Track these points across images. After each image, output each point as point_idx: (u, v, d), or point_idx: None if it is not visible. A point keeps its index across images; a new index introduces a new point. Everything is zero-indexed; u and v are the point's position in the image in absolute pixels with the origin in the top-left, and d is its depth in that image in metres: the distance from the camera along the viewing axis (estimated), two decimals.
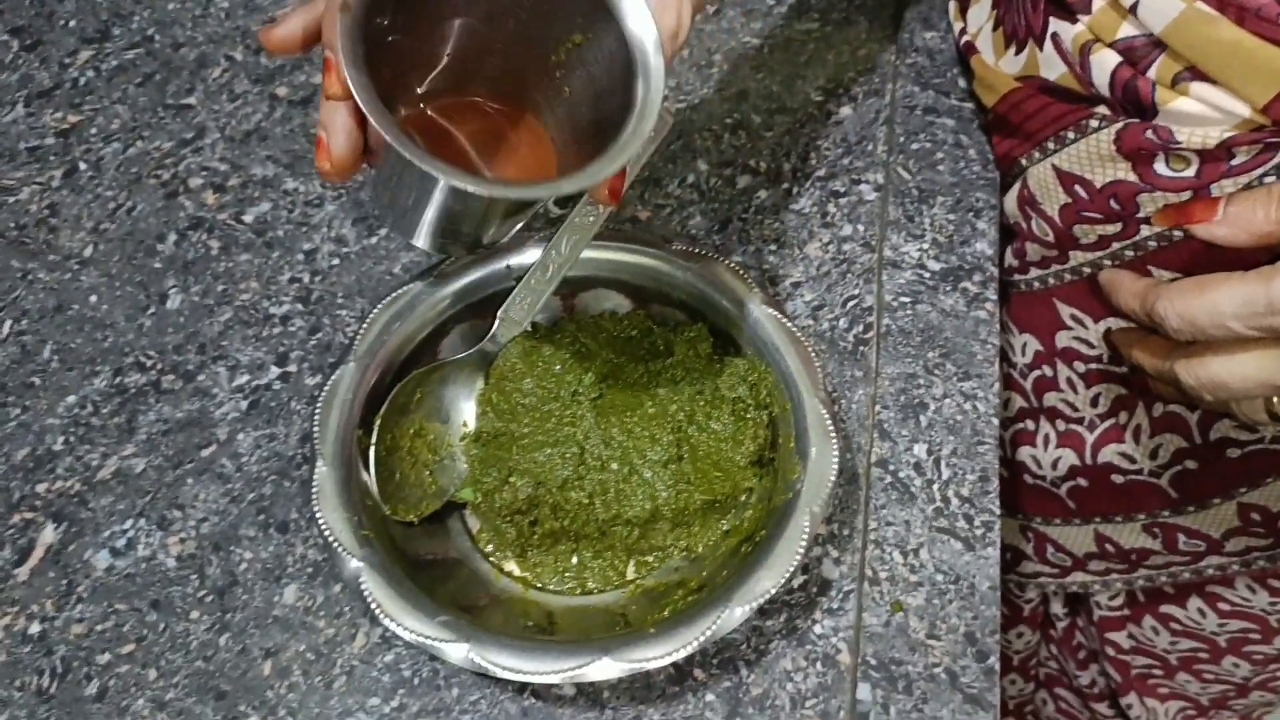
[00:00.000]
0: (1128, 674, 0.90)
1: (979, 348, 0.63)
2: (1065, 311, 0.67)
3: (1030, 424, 0.75)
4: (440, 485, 0.58)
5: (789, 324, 0.58)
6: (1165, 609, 0.84)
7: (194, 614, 0.57)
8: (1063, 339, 0.69)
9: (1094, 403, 0.71)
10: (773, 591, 0.50)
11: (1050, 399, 0.72)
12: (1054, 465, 0.74)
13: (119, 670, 0.56)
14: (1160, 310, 0.50)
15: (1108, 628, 0.88)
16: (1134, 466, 0.71)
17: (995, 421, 0.61)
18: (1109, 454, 0.71)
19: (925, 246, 0.68)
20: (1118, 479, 0.72)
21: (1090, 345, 0.67)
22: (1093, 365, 0.68)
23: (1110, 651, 0.89)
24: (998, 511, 0.58)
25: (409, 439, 0.58)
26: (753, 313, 0.59)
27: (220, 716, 0.54)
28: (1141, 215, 0.59)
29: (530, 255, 0.61)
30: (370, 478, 0.55)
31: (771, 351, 0.58)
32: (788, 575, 0.50)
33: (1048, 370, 0.71)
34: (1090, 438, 0.72)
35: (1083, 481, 0.74)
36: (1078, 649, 0.94)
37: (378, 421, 0.56)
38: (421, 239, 0.51)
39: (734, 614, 0.49)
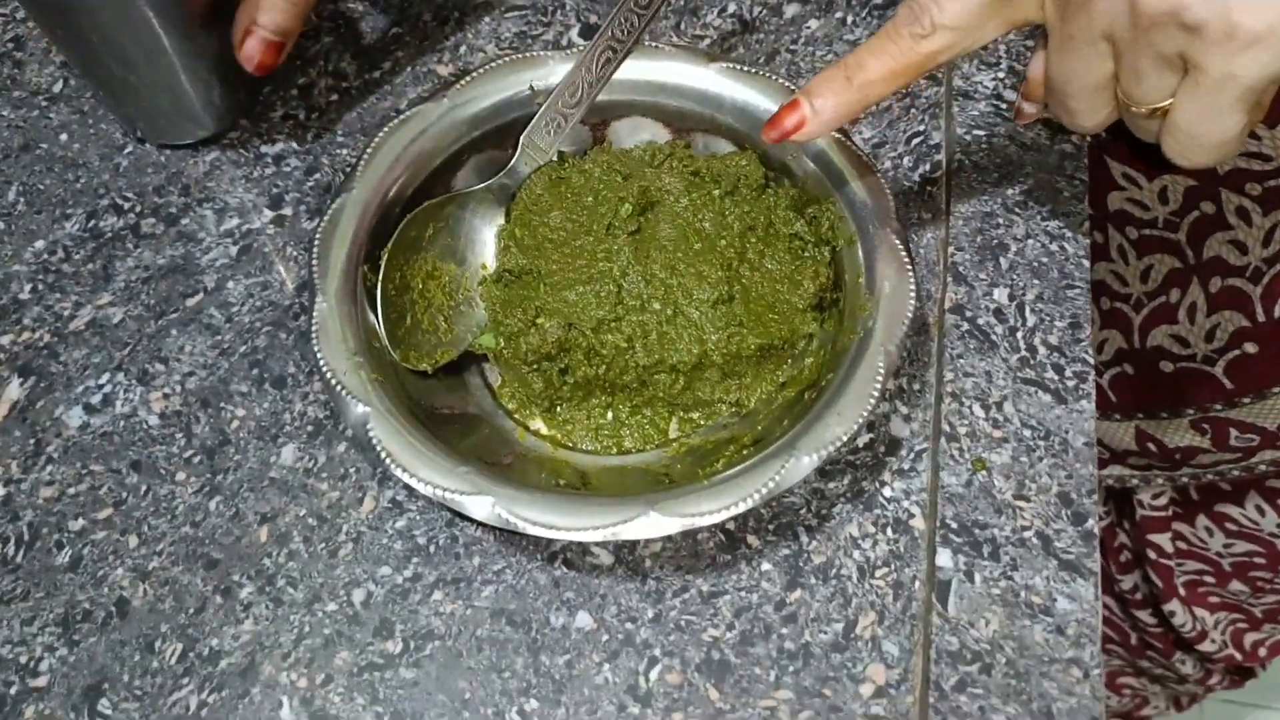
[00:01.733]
0: (1170, 580, 0.84)
1: (1065, 183, 0.56)
2: (1117, 170, 0.59)
3: None
4: (456, 333, 0.51)
5: (854, 146, 0.50)
6: (1220, 508, 0.78)
7: (180, 475, 0.50)
8: (1115, 200, 0.62)
9: (1144, 277, 0.63)
10: (844, 439, 0.43)
11: (1099, 271, 0.65)
12: (1098, 349, 0.67)
13: (94, 537, 0.49)
14: (924, 36, 0.42)
15: (1150, 529, 0.81)
16: (1186, 351, 0.64)
17: (1086, 264, 0.53)
18: (1158, 336, 0.64)
19: (1001, 75, 0.60)
20: (1166, 366, 0.65)
21: (1145, 207, 0.60)
22: (1146, 231, 0.61)
23: (1152, 555, 0.82)
24: (1091, 360, 0.51)
25: (421, 279, 0.51)
26: None
27: (211, 586, 0.48)
28: None
29: (556, 73, 0.53)
30: (377, 319, 0.48)
31: (835, 179, 0.50)
32: (862, 420, 0.43)
33: (1098, 236, 0.64)
34: (1137, 318, 0.65)
35: (1128, 368, 0.67)
36: (1119, 551, 0.88)
37: (384, 256, 0.49)
38: None
39: (800, 464, 0.43)
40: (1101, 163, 0.61)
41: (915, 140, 0.58)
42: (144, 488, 0.50)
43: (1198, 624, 0.85)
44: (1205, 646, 0.84)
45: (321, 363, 0.45)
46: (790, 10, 0.64)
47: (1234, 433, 0.67)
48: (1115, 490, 0.81)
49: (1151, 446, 0.71)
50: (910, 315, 0.46)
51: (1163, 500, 0.78)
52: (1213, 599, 0.84)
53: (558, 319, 0.49)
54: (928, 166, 0.57)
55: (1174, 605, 0.84)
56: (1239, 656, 0.84)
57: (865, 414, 0.44)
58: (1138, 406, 0.70)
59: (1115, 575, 0.89)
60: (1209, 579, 0.83)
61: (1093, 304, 0.66)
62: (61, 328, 0.54)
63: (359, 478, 0.50)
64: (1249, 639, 0.83)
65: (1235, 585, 0.82)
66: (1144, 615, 0.89)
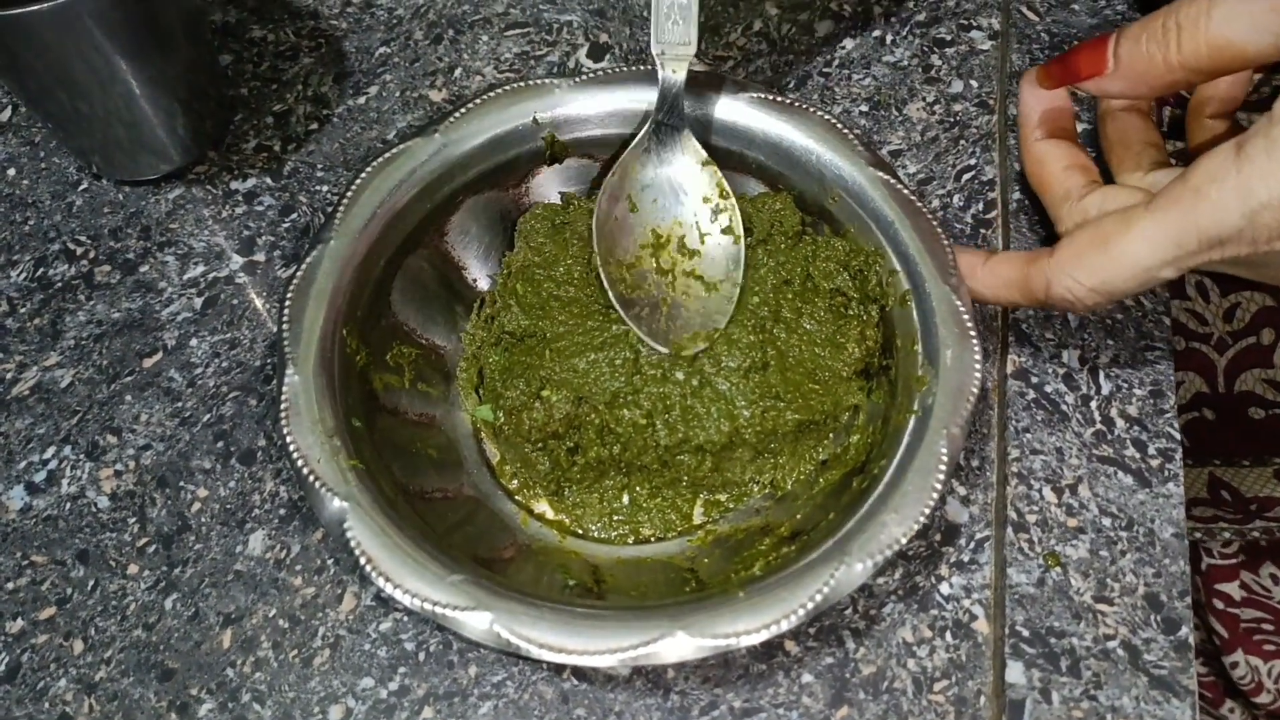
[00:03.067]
0: (1236, 629, 0.78)
1: None
2: None
3: None
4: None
5: (905, 190, 0.44)
6: None
7: (132, 568, 0.44)
8: None
9: (1228, 316, 0.57)
10: (904, 541, 0.37)
11: (1172, 309, 0.59)
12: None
13: (35, 641, 0.43)
14: (1062, 292, 0.39)
15: (1218, 579, 0.75)
16: None
17: (1166, 321, 0.47)
18: (1248, 381, 0.58)
19: None
20: (1257, 413, 0.59)
21: None
22: None
23: (1219, 605, 0.77)
24: (1178, 436, 0.44)
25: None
26: (856, 177, 0.45)
27: (166, 702, 0.41)
28: None
29: (564, 104, 0.47)
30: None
31: (883, 227, 0.44)
32: (922, 519, 0.37)
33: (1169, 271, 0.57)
34: (1221, 361, 0.58)
35: (1209, 414, 0.61)
36: None
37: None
38: None
39: (853, 571, 0.36)
40: None
41: (966, 176, 0.52)
42: (91, 583, 0.44)
43: (1254, 675, 0.79)
44: (1261, 699, 0.78)
45: (292, 449, 0.39)
46: (823, 28, 0.57)
47: None
48: None
49: (1225, 494, 0.65)
50: (976, 390, 0.39)
51: (1233, 548, 0.72)
52: (1268, 647, 0.78)
53: (566, 391, 0.42)
54: (980, 206, 0.51)
55: (1237, 656, 0.78)
56: None
57: (926, 511, 0.37)
58: (1215, 453, 0.64)
59: None
60: (1268, 626, 0.77)
61: None
62: (3, 393, 0.48)
63: (338, 571, 0.44)
64: None
65: None
66: (1195, 665, 0.84)
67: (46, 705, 0.41)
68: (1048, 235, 0.49)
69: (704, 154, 0.45)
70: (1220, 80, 0.44)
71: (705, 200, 0.45)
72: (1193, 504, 0.69)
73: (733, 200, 0.45)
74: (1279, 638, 0.78)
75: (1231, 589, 0.76)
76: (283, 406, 0.40)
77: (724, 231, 0.45)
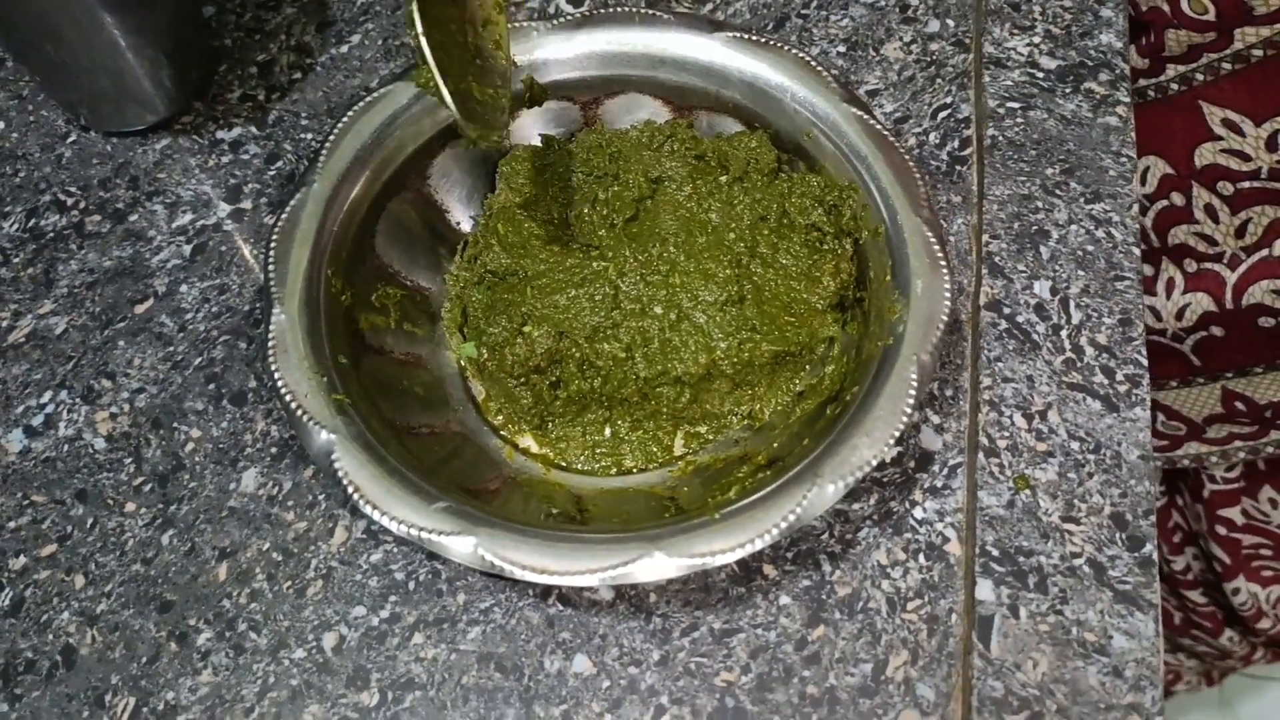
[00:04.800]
0: (1238, 554, 0.79)
1: (1111, 161, 0.50)
2: (1216, 117, 0.53)
3: (1147, 268, 0.62)
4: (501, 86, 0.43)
5: (879, 125, 0.45)
6: None
7: (129, 506, 0.45)
8: (1205, 154, 0.56)
9: (1240, 232, 0.58)
10: (874, 463, 0.38)
11: (1178, 235, 0.59)
12: (1179, 315, 0.62)
13: (37, 576, 0.44)
14: None
15: (1220, 504, 0.76)
16: None
17: (1136, 252, 0.48)
18: (1258, 293, 0.59)
19: (1036, 40, 0.54)
20: (1267, 322, 0.60)
21: (1245, 158, 0.54)
22: (1245, 184, 0.55)
23: (1221, 530, 0.78)
24: (1145, 362, 0.45)
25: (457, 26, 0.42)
26: (831, 114, 0.46)
27: (165, 632, 0.43)
28: None
29: (542, 46, 0.47)
30: (440, 83, 0.39)
31: (856, 162, 0.45)
32: (892, 441, 0.38)
33: (1178, 199, 0.58)
34: (1232, 277, 0.59)
35: (1217, 331, 0.62)
36: (1172, 532, 0.83)
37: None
38: None
39: (825, 492, 0.37)
40: (1193, 111, 0.55)
41: (942, 114, 0.52)
42: (90, 520, 0.45)
43: (1254, 601, 0.81)
44: (1262, 624, 0.80)
45: (280, 384, 0.40)
46: None
47: None
48: (1179, 469, 0.76)
49: (1240, 405, 0.66)
50: (946, 319, 0.40)
51: (1236, 472, 0.74)
52: (1267, 573, 0.80)
53: (547, 327, 0.43)
54: (956, 143, 0.51)
55: (1238, 582, 0.79)
56: None
57: (896, 434, 0.38)
58: (1228, 365, 0.64)
59: (1167, 556, 0.85)
60: (1266, 552, 0.78)
61: (1176, 266, 0.61)
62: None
63: (329, 505, 0.45)
64: None
65: None
66: (1194, 595, 0.85)
67: (50, 637, 0.43)
68: (1021, 171, 0.50)
69: None
70: None
71: None
72: (1207, 422, 0.69)
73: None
74: (1277, 563, 0.79)
75: (1234, 514, 0.77)
76: (270, 344, 0.41)
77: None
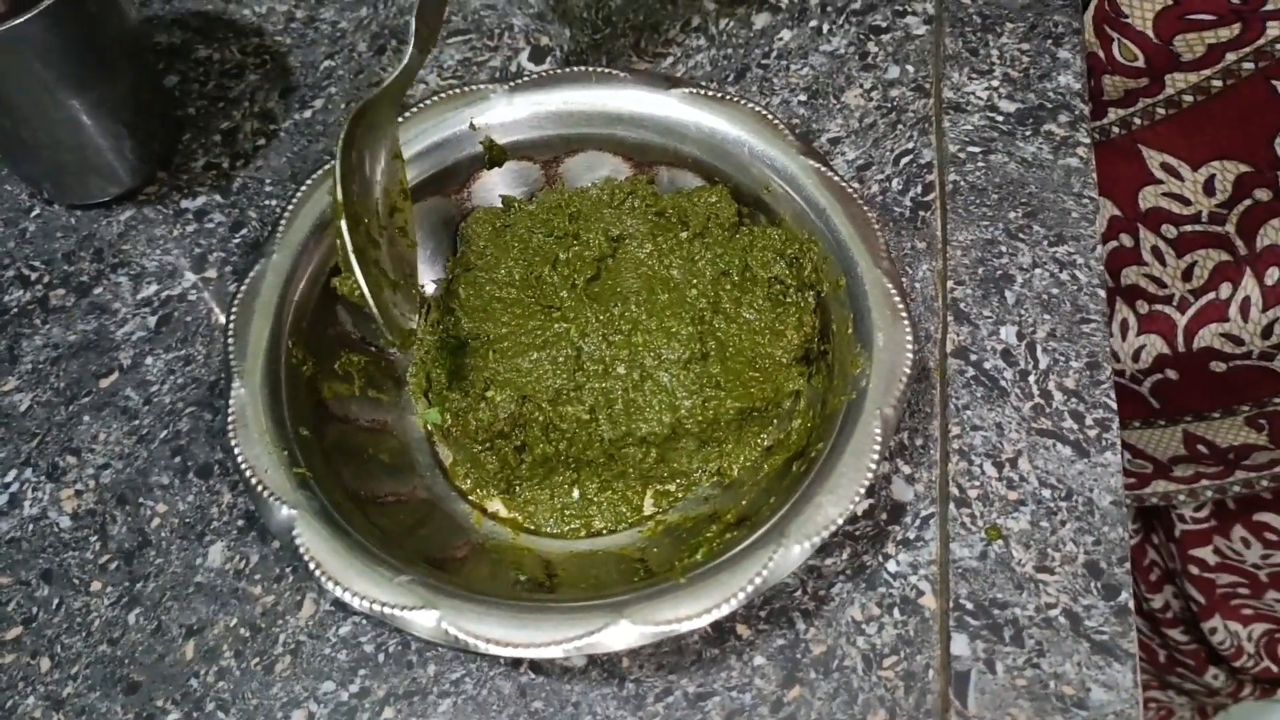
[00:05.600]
0: (1213, 594, 0.79)
1: (1073, 203, 0.50)
2: (1155, 160, 0.53)
3: None
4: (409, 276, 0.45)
5: (836, 178, 0.45)
6: (1260, 517, 0.72)
7: (95, 585, 0.45)
8: (1149, 198, 0.56)
9: (1187, 275, 0.58)
10: (840, 521, 0.38)
11: (1130, 275, 0.59)
12: (1135, 356, 0.61)
13: (2, 661, 0.43)
14: None
15: (1192, 544, 0.76)
16: (1240, 350, 0.58)
17: (1101, 294, 0.48)
18: (1207, 336, 0.59)
19: (995, 84, 0.54)
20: (1218, 367, 0.60)
21: (1185, 202, 0.54)
22: (1187, 227, 0.55)
23: (1194, 570, 0.77)
24: (1114, 405, 0.45)
25: (374, 219, 0.43)
26: (789, 167, 0.46)
27: (132, 714, 0.42)
28: (1270, 8, 0.46)
29: (499, 108, 0.48)
30: (364, 294, 0.40)
31: (816, 215, 0.45)
32: (857, 499, 0.38)
33: (1126, 240, 0.58)
34: (1182, 320, 0.59)
35: (1171, 374, 0.62)
36: (1149, 570, 0.82)
37: (339, 200, 0.40)
38: None
39: (790, 553, 0.37)
40: (1134, 155, 0.55)
41: (904, 160, 0.52)
42: (56, 601, 0.44)
43: (1233, 639, 0.80)
44: (1242, 662, 0.79)
45: (240, 460, 0.40)
46: (760, 21, 0.58)
47: None
48: (1151, 507, 0.76)
49: (1202, 449, 0.66)
50: (909, 371, 0.40)
51: (1205, 512, 0.73)
52: (1246, 611, 0.79)
53: (510, 391, 0.43)
54: (919, 189, 0.51)
55: (1215, 622, 0.79)
56: (1275, 669, 0.80)
57: (861, 491, 0.38)
58: (1186, 409, 0.64)
59: (1145, 594, 0.84)
60: (1244, 590, 0.78)
61: (1129, 308, 0.61)
62: None
63: (296, 578, 0.44)
64: None
65: (1271, 595, 0.78)
66: (1175, 633, 0.84)
67: None
68: (984, 215, 0.50)
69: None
70: None
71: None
72: (1172, 463, 0.69)
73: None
74: (1256, 601, 0.79)
75: (1205, 554, 0.76)
76: (230, 419, 0.41)
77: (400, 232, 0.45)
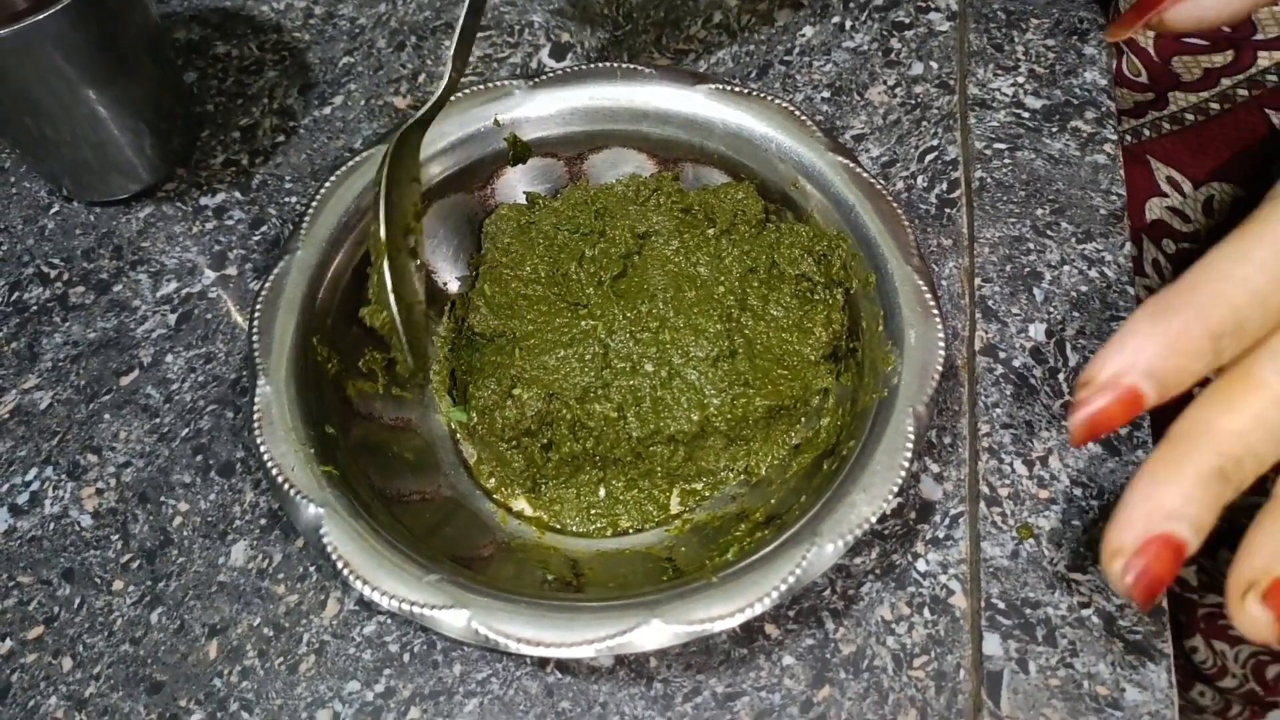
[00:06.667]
0: (1194, 614, 0.78)
1: (1101, 199, 0.50)
2: (1161, 173, 0.53)
3: None
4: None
5: (865, 174, 0.44)
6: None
7: (117, 584, 0.44)
8: (1154, 209, 0.56)
9: None
10: (873, 520, 0.37)
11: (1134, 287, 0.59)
12: None
13: (24, 660, 0.43)
14: None
15: None
16: None
17: (1130, 291, 0.47)
18: None
19: (1020, 80, 0.54)
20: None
21: (1186, 219, 0.54)
22: (1185, 245, 0.55)
23: (1176, 589, 0.77)
24: None
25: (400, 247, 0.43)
26: (816, 163, 0.45)
27: (155, 714, 0.42)
28: (1260, 38, 0.46)
29: (523, 105, 0.47)
30: (398, 325, 0.41)
31: (844, 211, 0.44)
32: (890, 497, 0.37)
33: (1132, 249, 0.58)
34: None
35: None
36: None
37: (382, 239, 0.41)
38: None
39: (824, 552, 0.37)
40: (1143, 164, 0.55)
41: (929, 156, 0.52)
42: (78, 600, 0.44)
43: (1218, 659, 0.79)
44: (1225, 683, 0.79)
45: (266, 458, 0.39)
46: (782, 17, 0.58)
47: None
48: None
49: None
50: (940, 369, 0.40)
51: None
52: (1233, 631, 0.78)
53: (537, 389, 0.43)
54: (945, 186, 0.51)
55: (1196, 641, 0.78)
56: (1260, 691, 0.79)
57: (894, 489, 0.38)
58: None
59: None
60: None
61: None
62: None
63: (320, 577, 0.44)
64: (1271, 671, 0.77)
65: None
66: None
67: None
68: (1010, 212, 0.50)
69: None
70: None
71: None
72: None
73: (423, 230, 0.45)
74: None
75: (1189, 574, 0.75)
76: (255, 417, 0.40)
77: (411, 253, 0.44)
